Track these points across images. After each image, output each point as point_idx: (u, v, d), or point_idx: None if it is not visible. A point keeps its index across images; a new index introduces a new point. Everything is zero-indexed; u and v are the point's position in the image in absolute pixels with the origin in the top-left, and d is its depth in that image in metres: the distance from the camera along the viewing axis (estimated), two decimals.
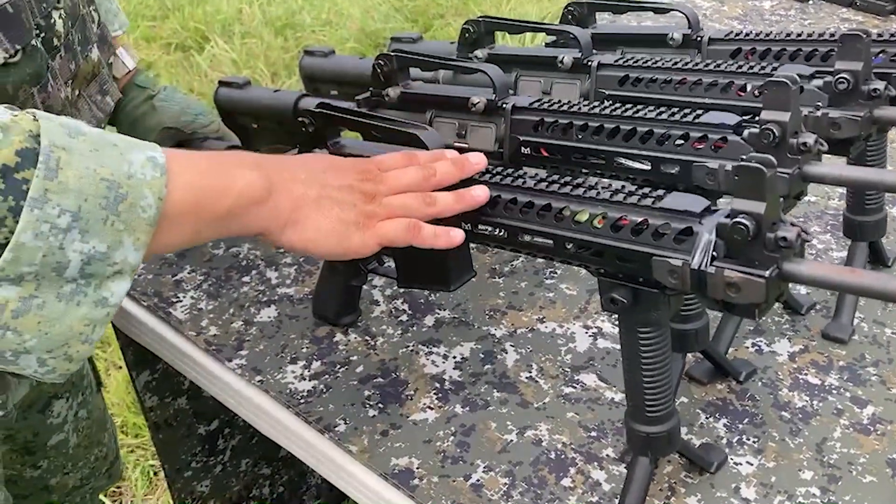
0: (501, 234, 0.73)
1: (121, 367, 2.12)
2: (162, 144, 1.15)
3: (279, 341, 0.97)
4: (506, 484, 0.78)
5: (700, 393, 0.86)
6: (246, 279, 1.07)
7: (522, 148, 0.84)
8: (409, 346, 0.95)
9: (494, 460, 0.80)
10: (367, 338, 0.96)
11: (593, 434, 0.82)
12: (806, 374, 0.88)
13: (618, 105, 0.80)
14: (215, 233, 0.66)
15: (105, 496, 1.82)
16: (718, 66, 0.87)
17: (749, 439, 0.81)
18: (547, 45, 1.14)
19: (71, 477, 1.17)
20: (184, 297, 1.04)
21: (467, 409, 0.86)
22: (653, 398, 0.70)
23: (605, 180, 0.82)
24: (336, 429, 0.85)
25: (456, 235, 0.73)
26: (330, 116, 0.84)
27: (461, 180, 0.75)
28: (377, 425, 0.85)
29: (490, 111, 0.86)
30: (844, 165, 0.82)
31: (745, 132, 0.72)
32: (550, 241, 0.70)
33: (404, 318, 0.99)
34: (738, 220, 0.57)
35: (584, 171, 0.83)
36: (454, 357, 0.93)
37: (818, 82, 0.81)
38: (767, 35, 0.96)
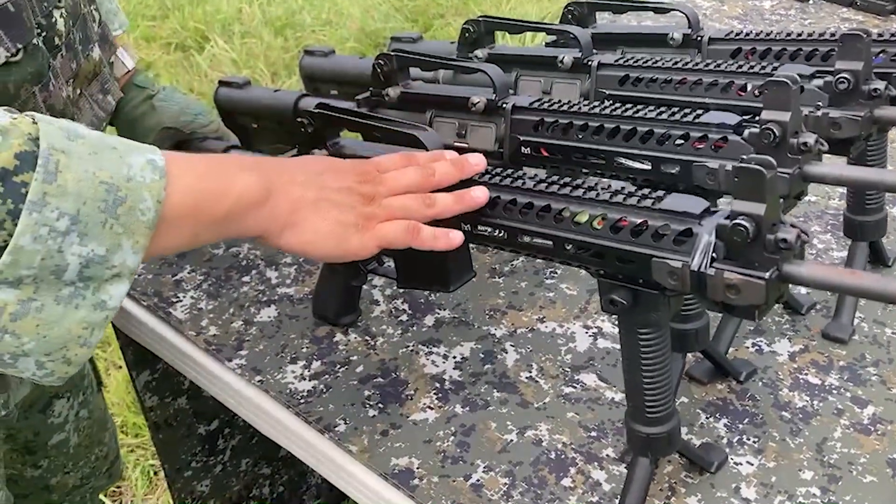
0: (501, 234, 0.73)
1: (121, 367, 2.12)
2: (161, 144, 1.15)
3: (279, 341, 0.97)
4: (506, 484, 0.78)
5: (700, 393, 0.86)
6: (246, 279, 1.07)
7: (522, 148, 0.84)
8: (409, 346, 0.95)
9: (494, 460, 0.80)
10: (367, 338, 0.96)
11: (593, 434, 0.82)
12: (806, 374, 0.88)
13: (618, 105, 0.80)
14: (213, 235, 0.66)
15: (105, 496, 1.82)
16: (719, 65, 0.87)
17: (749, 439, 0.81)
18: (547, 44, 1.14)
19: (71, 476, 1.18)
20: (184, 296, 1.04)
21: (467, 409, 0.86)
22: (653, 399, 0.70)
23: (605, 181, 0.82)
24: (336, 429, 0.85)
25: (455, 237, 0.73)
26: (329, 117, 0.84)
27: (461, 181, 0.74)
28: (377, 425, 0.85)
29: (490, 111, 0.86)
30: (845, 165, 0.82)
31: (746, 132, 0.72)
32: (550, 243, 0.70)
33: (404, 317, 0.99)
34: (737, 221, 0.57)
35: (584, 170, 0.83)
36: (454, 357, 0.93)
37: (818, 82, 0.81)
38: (768, 35, 0.96)
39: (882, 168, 0.94)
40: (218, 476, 1.38)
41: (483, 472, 0.79)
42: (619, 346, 0.78)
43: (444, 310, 1.00)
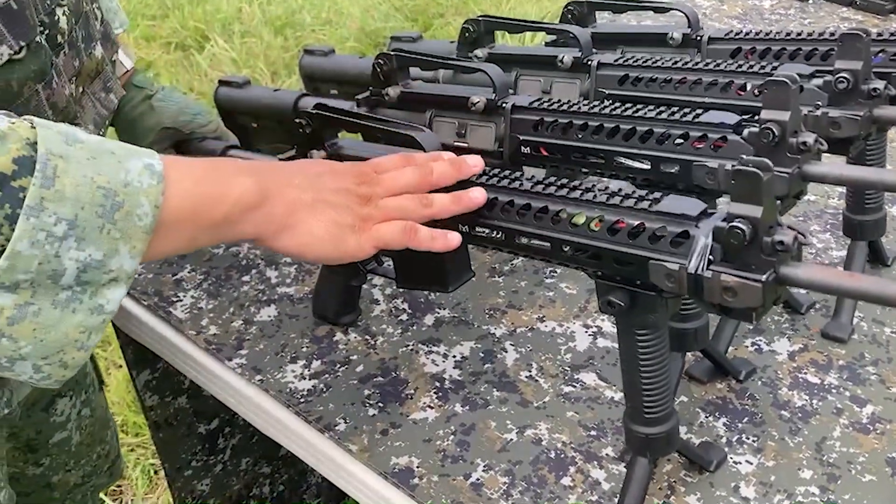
0: (498, 236, 0.73)
1: (121, 366, 2.13)
2: (160, 144, 1.14)
3: (279, 340, 0.97)
4: (505, 483, 0.78)
5: (700, 392, 0.87)
6: (246, 278, 1.07)
7: (522, 147, 0.84)
8: (408, 346, 0.95)
9: (494, 459, 0.80)
10: (367, 337, 0.96)
11: (593, 433, 0.83)
12: (805, 374, 0.88)
13: (617, 104, 0.80)
14: (211, 239, 0.66)
15: (106, 494, 1.82)
16: (718, 65, 0.87)
17: (749, 438, 0.81)
18: (547, 44, 1.14)
19: (73, 475, 1.18)
20: (184, 296, 1.04)
21: (467, 408, 0.86)
22: (651, 399, 0.70)
23: (603, 182, 0.82)
24: (336, 428, 0.85)
25: (453, 238, 0.73)
26: (326, 118, 0.84)
27: (459, 182, 0.74)
28: (377, 424, 0.85)
29: (490, 110, 0.86)
30: (844, 165, 0.82)
31: (745, 131, 0.72)
32: (547, 244, 0.70)
33: (404, 317, 0.99)
34: (734, 224, 0.57)
35: (583, 170, 0.83)
36: (454, 356, 0.93)
37: (818, 81, 0.81)
38: (767, 34, 0.96)
39: (881, 167, 0.94)
40: (218, 475, 1.38)
41: (483, 471, 0.79)
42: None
43: (444, 309, 1.00)
